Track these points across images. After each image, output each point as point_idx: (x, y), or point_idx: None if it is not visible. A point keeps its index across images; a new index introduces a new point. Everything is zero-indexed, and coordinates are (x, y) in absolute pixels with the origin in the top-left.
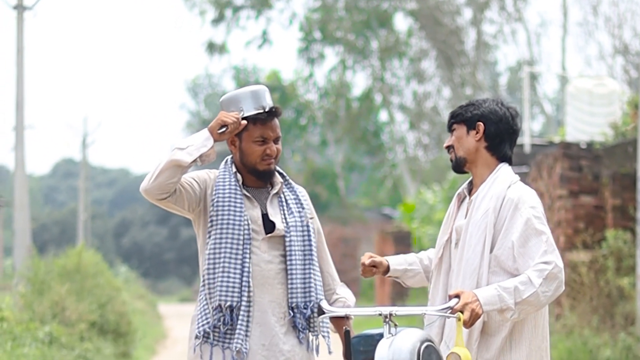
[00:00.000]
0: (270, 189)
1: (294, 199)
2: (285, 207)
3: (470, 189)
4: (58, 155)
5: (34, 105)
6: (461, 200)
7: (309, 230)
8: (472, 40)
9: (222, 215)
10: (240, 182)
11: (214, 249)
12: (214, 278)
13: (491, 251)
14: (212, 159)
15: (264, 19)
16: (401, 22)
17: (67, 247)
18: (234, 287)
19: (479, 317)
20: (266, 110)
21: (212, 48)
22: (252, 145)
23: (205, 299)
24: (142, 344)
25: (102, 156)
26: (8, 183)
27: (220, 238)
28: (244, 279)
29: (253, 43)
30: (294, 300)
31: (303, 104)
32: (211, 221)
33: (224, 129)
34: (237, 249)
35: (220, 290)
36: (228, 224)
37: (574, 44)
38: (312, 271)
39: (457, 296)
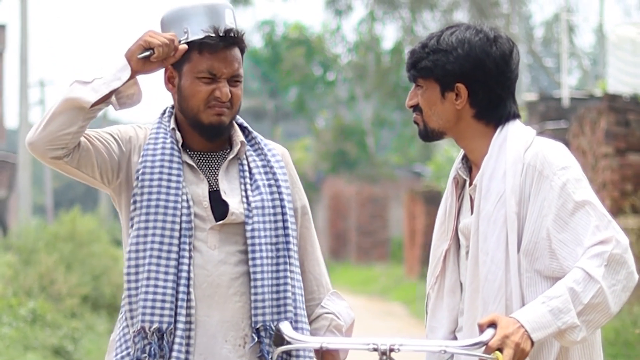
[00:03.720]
0: (227, 152)
1: (263, 166)
2: (248, 180)
3: (470, 168)
4: None
5: (55, 61)
6: (461, 187)
7: (284, 214)
8: None
9: (150, 193)
10: (180, 143)
11: (137, 244)
12: (136, 288)
13: (519, 251)
14: (136, 101)
15: None
16: None
17: (91, 206)
18: (163, 301)
19: (527, 355)
20: (220, 33)
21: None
22: (195, 84)
23: (126, 319)
24: None
25: (129, 113)
26: None
27: (146, 228)
28: (181, 288)
29: None
30: (260, 318)
31: (330, 59)
32: (134, 202)
33: (147, 53)
34: (170, 244)
35: (144, 307)
36: (157, 207)
37: None
38: (288, 274)
39: (492, 324)
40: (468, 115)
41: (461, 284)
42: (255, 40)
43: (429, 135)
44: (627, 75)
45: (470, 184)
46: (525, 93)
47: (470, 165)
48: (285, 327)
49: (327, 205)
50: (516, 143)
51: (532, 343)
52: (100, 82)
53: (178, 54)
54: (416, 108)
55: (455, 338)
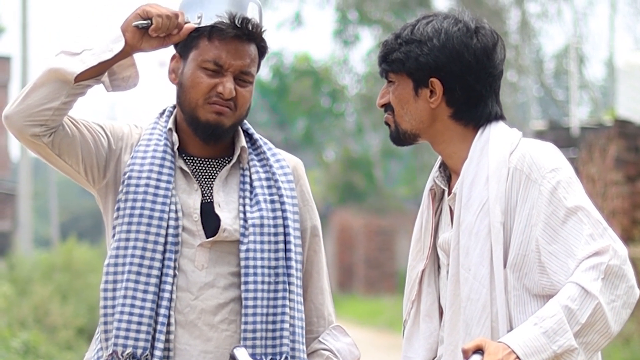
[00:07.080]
0: (230, 159)
1: (267, 178)
2: (248, 193)
3: (449, 176)
4: None
5: None
6: (439, 199)
7: (286, 234)
8: (516, 22)
9: (135, 200)
10: (176, 146)
11: (116, 257)
12: (113, 307)
13: (505, 266)
14: (131, 85)
15: None
16: (441, 2)
17: (98, 239)
18: (140, 324)
19: None
20: (236, 21)
21: None
22: (197, 74)
23: (100, 340)
24: None
25: None
26: (42, 173)
27: (127, 240)
28: (162, 311)
29: (284, 25)
30: (250, 350)
31: (338, 90)
32: (117, 209)
33: (143, 22)
34: (152, 259)
35: (119, 329)
36: (141, 216)
37: (622, 23)
38: (287, 302)
39: (479, 350)
40: (444, 115)
41: (441, 308)
42: (263, 73)
43: (401, 138)
44: (637, 103)
45: (450, 194)
46: (533, 121)
47: (450, 174)
48: (241, 354)
49: (335, 237)
50: (500, 145)
51: None
52: (89, 53)
53: (183, 32)
54: (388, 107)
55: None
